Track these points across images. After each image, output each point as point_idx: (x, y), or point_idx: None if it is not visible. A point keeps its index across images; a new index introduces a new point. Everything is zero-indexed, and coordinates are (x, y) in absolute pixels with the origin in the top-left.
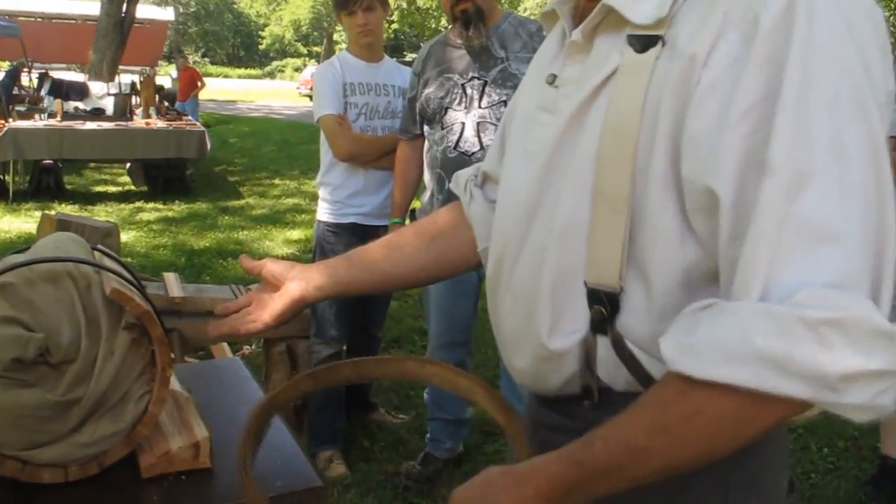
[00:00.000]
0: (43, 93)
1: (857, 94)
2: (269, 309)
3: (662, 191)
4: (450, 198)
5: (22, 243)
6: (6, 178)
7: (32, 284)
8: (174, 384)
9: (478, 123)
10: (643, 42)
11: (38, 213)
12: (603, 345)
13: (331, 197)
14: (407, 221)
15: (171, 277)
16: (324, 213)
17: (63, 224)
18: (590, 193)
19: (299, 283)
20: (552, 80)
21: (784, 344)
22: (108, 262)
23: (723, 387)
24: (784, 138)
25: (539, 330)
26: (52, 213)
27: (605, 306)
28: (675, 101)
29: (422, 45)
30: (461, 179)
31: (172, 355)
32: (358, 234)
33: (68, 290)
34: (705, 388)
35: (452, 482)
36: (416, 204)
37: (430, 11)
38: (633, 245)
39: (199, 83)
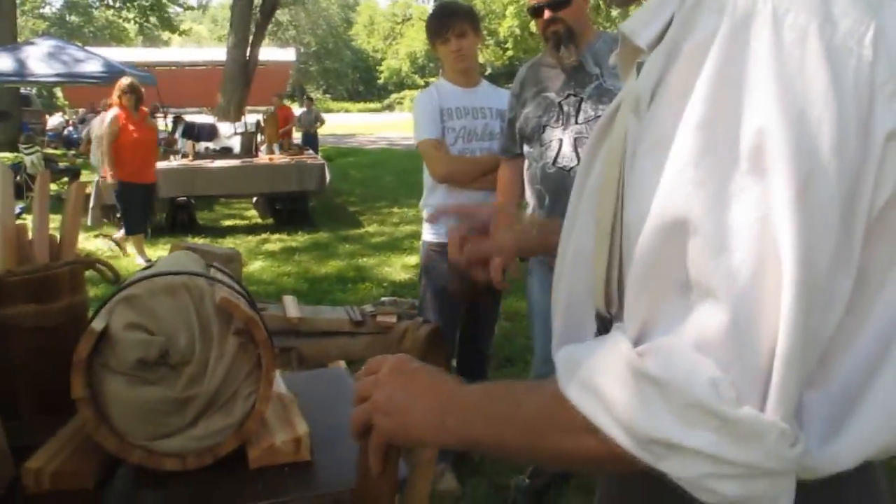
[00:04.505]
0: (177, 135)
1: (760, 140)
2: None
3: None
4: (551, 213)
5: (109, 267)
6: None
7: (154, 295)
8: (282, 388)
9: (575, 139)
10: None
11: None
12: None
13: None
14: None
15: (288, 300)
16: (428, 233)
17: (191, 252)
18: (594, 223)
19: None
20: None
21: (614, 386)
22: (219, 276)
23: (573, 404)
24: (673, 178)
25: (553, 344)
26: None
27: (602, 330)
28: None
29: None
30: None
31: (276, 355)
32: None
33: (184, 300)
34: (565, 399)
35: (561, 495)
36: None
37: None
38: (622, 276)
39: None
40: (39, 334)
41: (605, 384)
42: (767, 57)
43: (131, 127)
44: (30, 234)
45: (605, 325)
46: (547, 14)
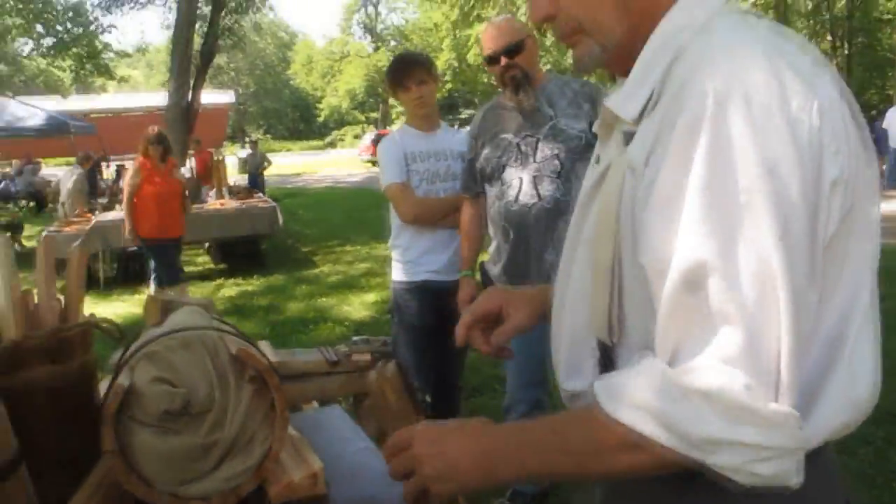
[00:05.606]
0: (121, 184)
1: (750, 195)
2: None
3: (632, 266)
4: (515, 248)
5: (115, 326)
6: (96, 267)
7: (172, 350)
8: (289, 429)
9: (534, 177)
10: (629, 137)
11: (127, 297)
12: None
13: (402, 258)
14: (477, 275)
15: (263, 344)
16: (397, 273)
17: (167, 304)
18: (591, 266)
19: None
20: (597, 160)
21: (664, 402)
22: (225, 328)
23: (622, 424)
24: (688, 231)
25: (559, 374)
26: (153, 294)
27: (604, 356)
28: (634, 192)
29: (476, 100)
30: None
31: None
32: (430, 290)
33: (200, 353)
34: (612, 422)
35: None
36: (483, 256)
37: (481, 67)
38: (622, 309)
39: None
40: (55, 394)
41: (655, 403)
42: (746, 130)
43: (157, 179)
44: (35, 299)
45: (606, 352)
46: (503, 61)
